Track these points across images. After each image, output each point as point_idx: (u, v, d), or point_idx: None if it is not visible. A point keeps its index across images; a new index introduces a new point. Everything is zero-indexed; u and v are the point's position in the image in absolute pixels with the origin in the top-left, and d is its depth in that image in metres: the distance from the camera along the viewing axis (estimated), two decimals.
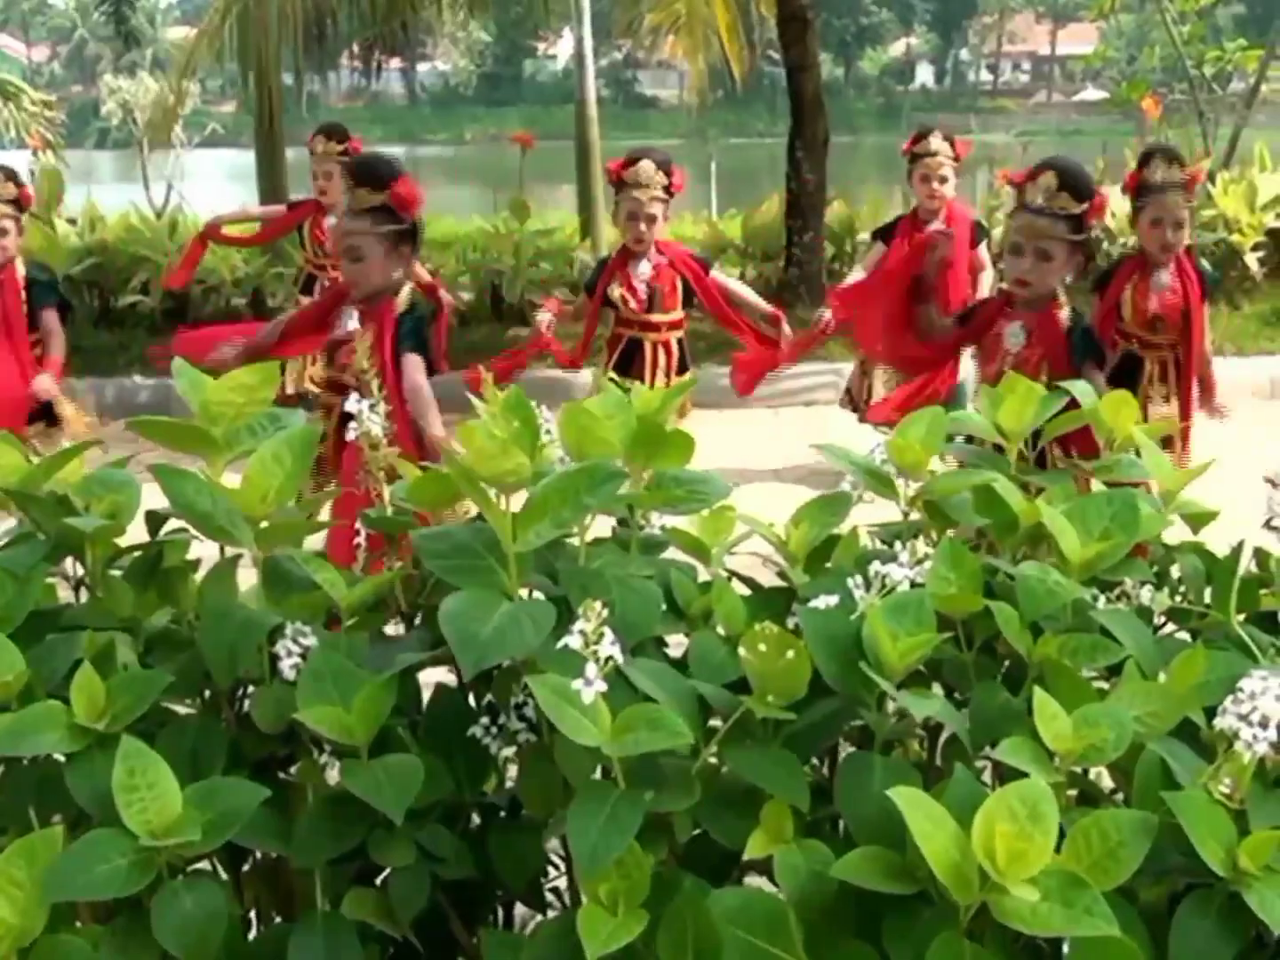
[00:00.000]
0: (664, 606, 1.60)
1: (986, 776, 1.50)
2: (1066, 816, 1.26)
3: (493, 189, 11.13)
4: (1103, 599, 1.61)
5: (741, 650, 1.31)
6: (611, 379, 5.18)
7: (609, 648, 1.23)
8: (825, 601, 1.39)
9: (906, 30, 68.83)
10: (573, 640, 1.24)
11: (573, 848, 1.23)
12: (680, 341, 5.32)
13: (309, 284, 7.32)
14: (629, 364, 5.24)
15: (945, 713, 1.35)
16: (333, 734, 1.41)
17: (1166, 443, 4.64)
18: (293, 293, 9.68)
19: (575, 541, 1.56)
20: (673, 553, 1.74)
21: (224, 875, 1.62)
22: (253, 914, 1.70)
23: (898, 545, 1.46)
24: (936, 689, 1.56)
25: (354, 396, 1.68)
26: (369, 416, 1.68)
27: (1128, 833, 1.22)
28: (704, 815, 1.33)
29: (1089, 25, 41.86)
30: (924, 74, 70.02)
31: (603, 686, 1.23)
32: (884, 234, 6.42)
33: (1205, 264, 5.11)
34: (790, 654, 1.28)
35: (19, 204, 5.09)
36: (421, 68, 71.10)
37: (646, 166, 5.09)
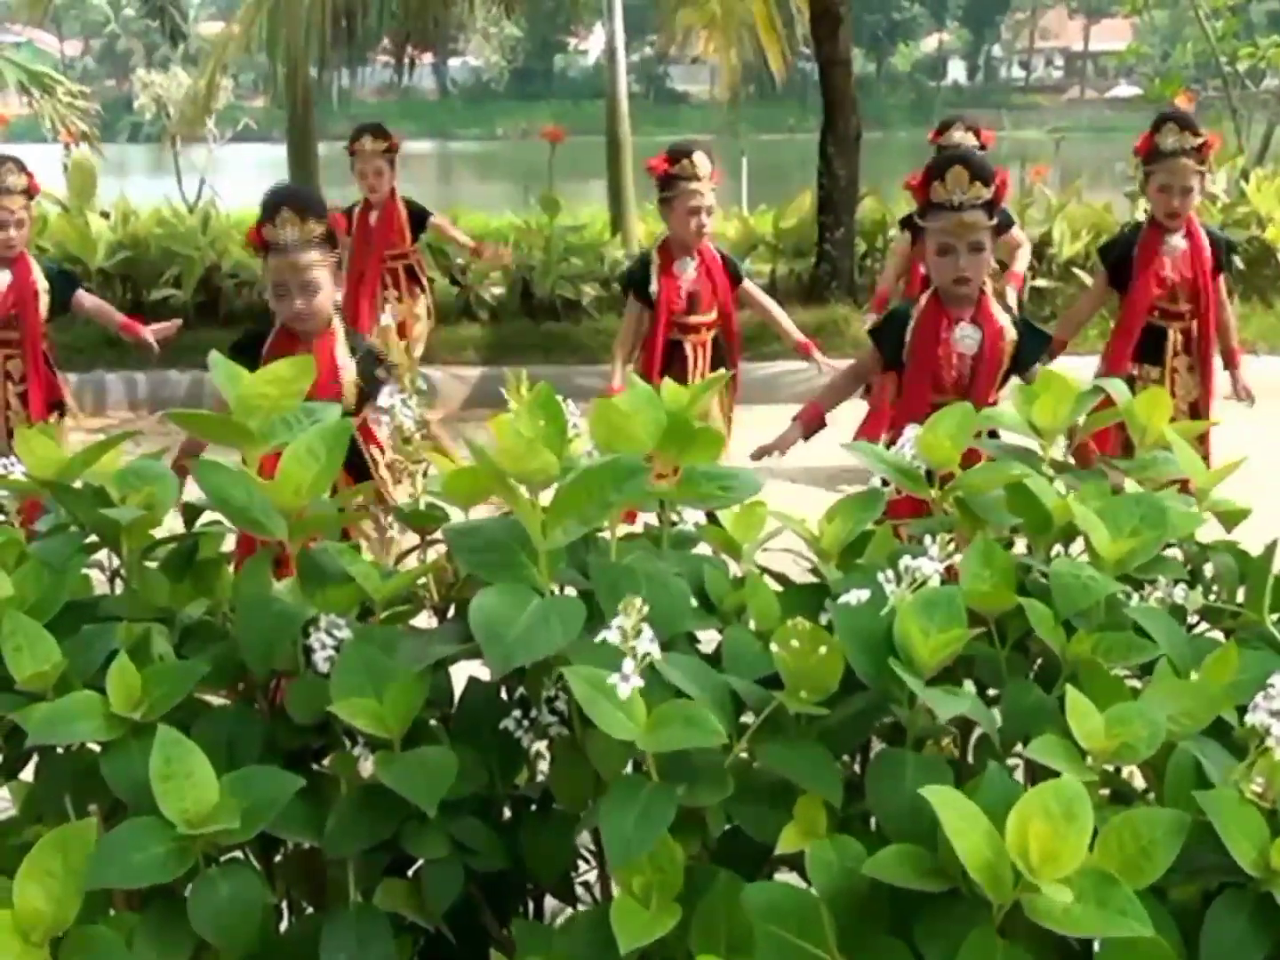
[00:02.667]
0: (694, 602, 1.62)
1: (1019, 775, 1.50)
2: (1099, 815, 1.26)
3: (524, 184, 11.13)
4: (1135, 597, 1.61)
5: (774, 646, 1.31)
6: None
7: (647, 644, 1.23)
8: (857, 597, 1.39)
9: (939, 26, 68.55)
10: (611, 635, 1.24)
11: (606, 841, 1.23)
12: (716, 340, 5.25)
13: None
14: (668, 367, 5.22)
15: (976, 710, 1.35)
16: (366, 726, 1.42)
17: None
18: None
19: (607, 536, 1.56)
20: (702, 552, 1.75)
21: (256, 865, 1.64)
22: (284, 904, 1.72)
23: (928, 540, 1.46)
24: (969, 686, 1.56)
25: (387, 390, 1.69)
26: (403, 410, 1.69)
27: (1160, 832, 1.21)
28: (736, 810, 1.33)
29: (1122, 21, 41.60)
30: (956, 70, 69.71)
31: (639, 682, 1.23)
32: (912, 223, 6.39)
33: (1215, 230, 5.07)
34: (823, 650, 1.29)
35: (29, 194, 5.12)
36: (453, 63, 71.16)
37: (701, 158, 4.99)
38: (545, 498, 1.46)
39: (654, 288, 5.07)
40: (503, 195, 16.99)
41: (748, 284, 5.32)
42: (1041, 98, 60.04)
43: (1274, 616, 1.71)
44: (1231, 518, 1.76)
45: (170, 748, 1.36)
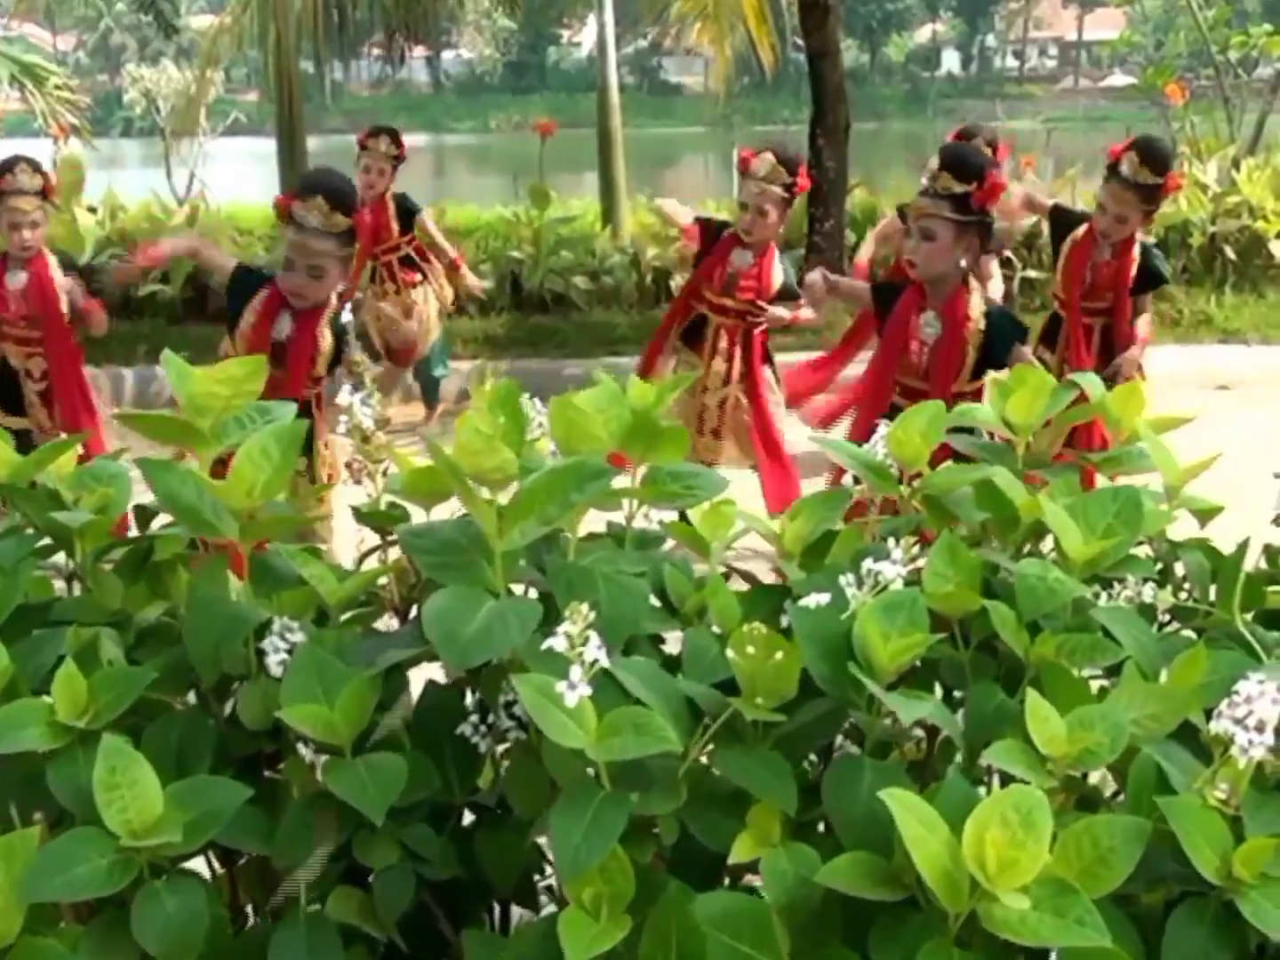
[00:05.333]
0: (657, 603, 1.59)
1: (996, 781, 1.48)
2: (1059, 821, 1.23)
3: (517, 177, 11.10)
4: (1104, 596, 1.58)
5: (729, 651, 1.28)
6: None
7: (594, 651, 1.21)
8: (816, 600, 1.36)
9: (932, 16, 68.41)
10: (557, 643, 1.21)
11: (554, 852, 1.21)
12: (751, 332, 5.25)
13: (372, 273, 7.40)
14: (695, 337, 5.29)
15: (938, 714, 1.32)
16: (315, 733, 1.39)
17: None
18: None
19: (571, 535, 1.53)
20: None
21: (219, 871, 1.62)
22: (250, 910, 1.69)
23: (890, 543, 1.43)
24: (937, 690, 1.54)
25: (346, 389, 1.66)
26: (361, 409, 1.66)
27: (1119, 839, 1.19)
28: (690, 818, 1.30)
29: (1116, 10, 41.54)
30: (950, 60, 69.55)
31: (587, 690, 1.21)
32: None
33: (1159, 264, 5.17)
34: (779, 655, 1.26)
35: (45, 195, 5.10)
36: (447, 56, 71.07)
37: (767, 159, 5.12)
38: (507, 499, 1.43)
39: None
40: (496, 188, 16.95)
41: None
42: (1036, 87, 59.92)
43: (1247, 615, 1.69)
44: (1205, 514, 1.74)
45: (114, 756, 1.33)
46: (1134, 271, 4.97)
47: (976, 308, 3.65)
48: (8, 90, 11.26)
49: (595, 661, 1.21)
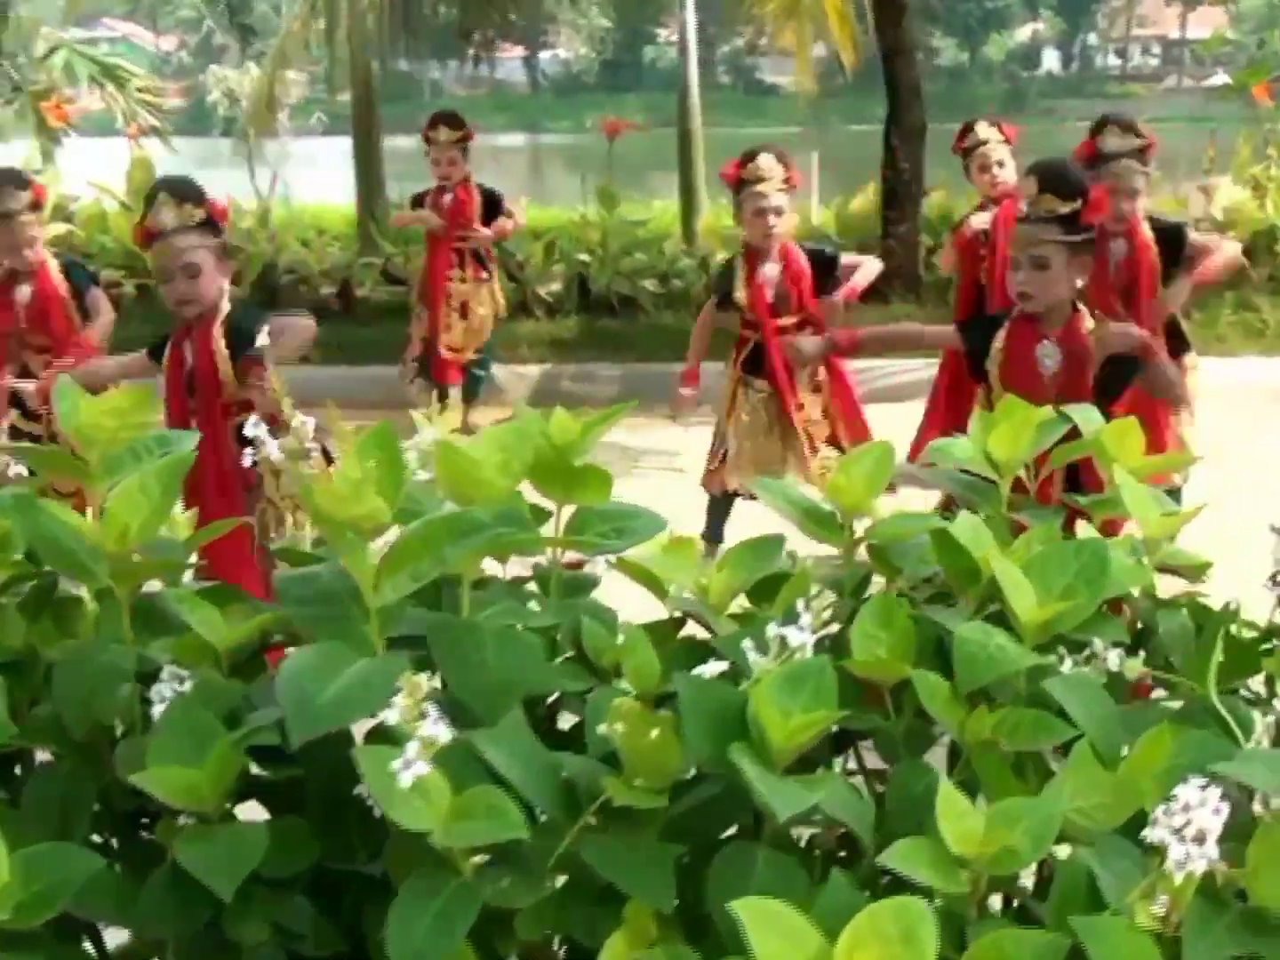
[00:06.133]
0: (568, 656, 1.46)
1: None
2: (972, 931, 1.08)
3: (584, 178, 11.00)
4: (1070, 661, 1.42)
5: (601, 728, 1.15)
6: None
7: (432, 726, 1.08)
8: (713, 668, 1.22)
9: (1033, 14, 67.19)
10: (390, 715, 1.09)
11: (390, 949, 1.08)
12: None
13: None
14: (758, 365, 5.15)
15: (833, 803, 1.17)
16: (174, 798, 1.28)
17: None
18: (380, 282, 9.72)
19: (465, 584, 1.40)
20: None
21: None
22: None
23: (799, 604, 1.28)
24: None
25: (253, 419, 1.54)
26: (268, 441, 1.54)
27: (1029, 959, 1.03)
28: (560, 912, 1.17)
29: (1220, 8, 40.51)
30: (1050, 59, 68.34)
31: (424, 769, 1.08)
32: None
33: (1166, 217, 5.01)
34: (654, 733, 1.12)
35: (36, 206, 5.07)
36: (543, 56, 71.34)
37: (766, 160, 5.01)
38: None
39: (739, 294, 5.08)
40: (583, 188, 16.87)
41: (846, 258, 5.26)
42: (1138, 87, 58.64)
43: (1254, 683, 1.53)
44: (1193, 571, 1.57)
45: None
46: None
47: (1088, 330, 3.46)
48: (88, 89, 11.39)
49: (432, 738, 1.07)
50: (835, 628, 1.44)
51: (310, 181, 14.17)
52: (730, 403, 5.18)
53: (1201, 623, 1.52)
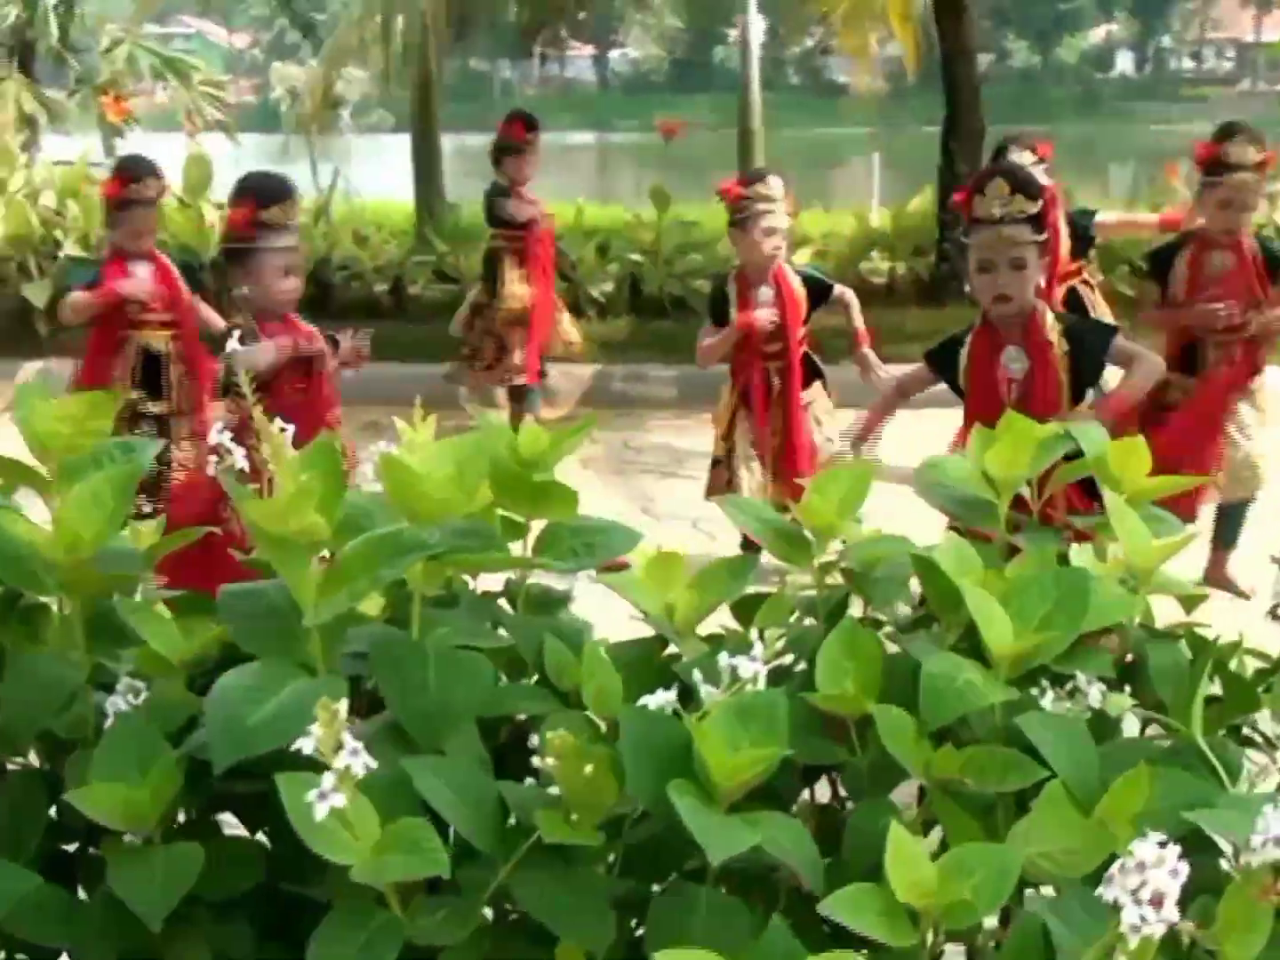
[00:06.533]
0: (534, 678, 1.41)
1: None
2: None
3: (640, 179, 10.98)
4: (1051, 695, 1.35)
5: (536, 760, 1.10)
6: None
7: (349, 757, 1.03)
8: (660, 699, 1.17)
9: (1107, 16, 66.31)
10: (305, 745, 1.04)
11: None
12: (805, 355, 5.05)
13: (491, 259, 7.18)
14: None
15: (776, 844, 1.11)
16: (113, 819, 1.24)
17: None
18: (432, 280, 9.71)
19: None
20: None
21: None
22: None
23: (752, 634, 1.22)
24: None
25: (217, 426, 1.49)
26: (233, 449, 1.50)
27: None
28: (492, 947, 1.12)
29: None
30: (1124, 61, 67.38)
31: (340, 801, 1.04)
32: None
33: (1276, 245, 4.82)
34: (588, 769, 1.07)
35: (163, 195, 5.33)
36: (613, 55, 71.42)
37: (775, 182, 4.90)
38: None
39: (734, 316, 4.93)
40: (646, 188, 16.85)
41: (841, 293, 5.13)
42: (1211, 90, 57.73)
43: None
44: (1188, 602, 1.49)
45: None
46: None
47: (1053, 329, 3.39)
48: (151, 84, 11.49)
49: (349, 767, 1.03)
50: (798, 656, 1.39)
51: (375, 178, 14.23)
52: (728, 426, 5.05)
53: (1200, 655, 1.45)
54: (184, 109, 11.78)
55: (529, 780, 1.46)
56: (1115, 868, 0.99)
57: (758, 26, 12.49)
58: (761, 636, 1.20)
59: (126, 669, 1.46)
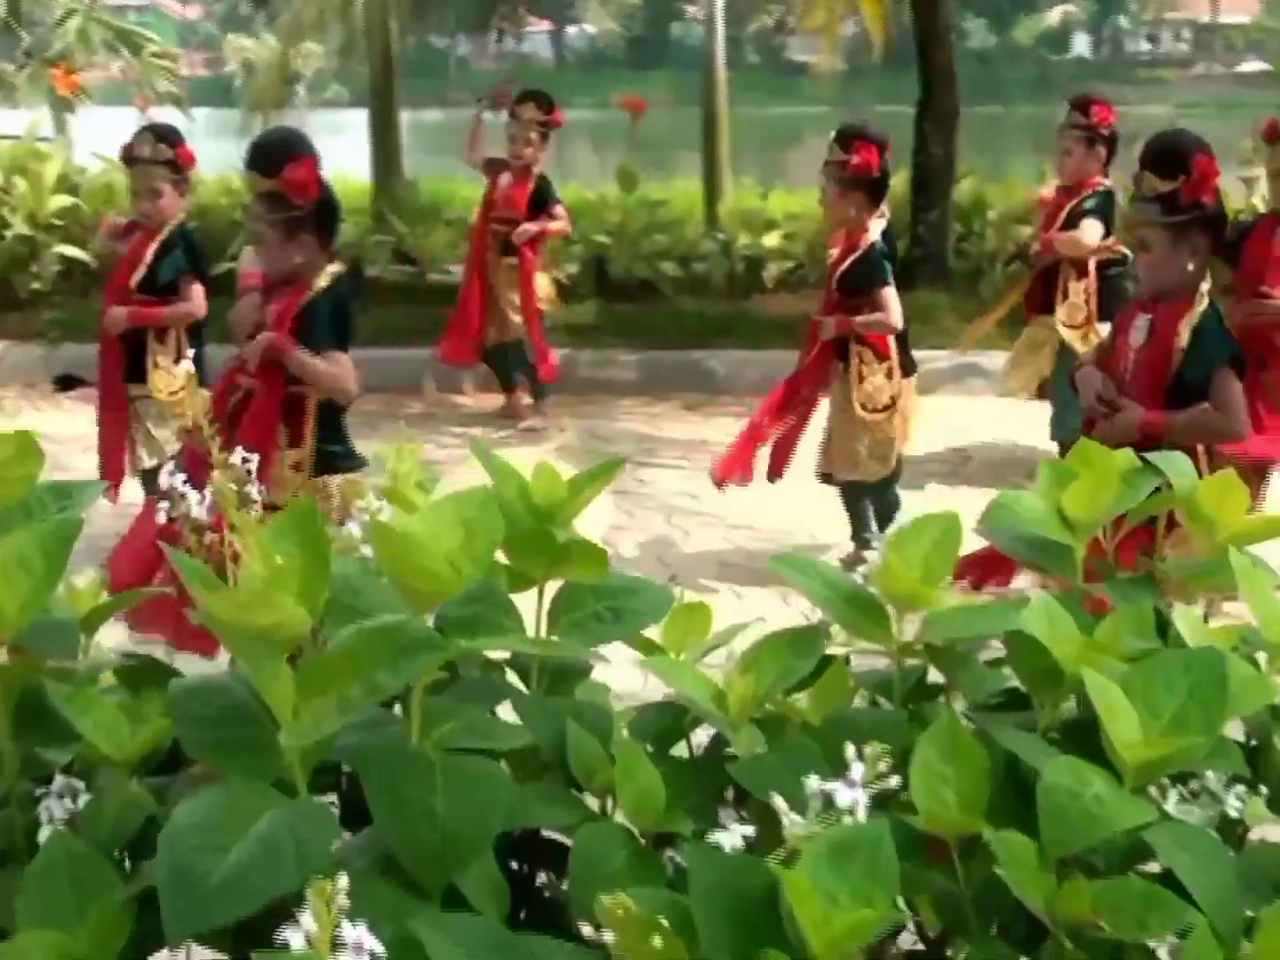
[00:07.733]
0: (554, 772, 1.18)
1: None
2: None
3: (603, 157, 10.73)
4: (1174, 796, 1.13)
5: (587, 930, 0.86)
6: None
7: (353, 955, 0.79)
8: (735, 836, 0.93)
9: None
10: (294, 939, 0.80)
11: None
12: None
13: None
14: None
15: None
16: None
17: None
18: (392, 261, 9.39)
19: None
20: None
21: None
22: None
23: (849, 750, 0.99)
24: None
25: (167, 469, 1.24)
26: (186, 494, 1.25)
27: None
28: None
29: None
30: (1080, 43, 67.36)
31: None
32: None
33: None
34: (656, 941, 0.84)
35: (175, 165, 4.92)
36: (570, 31, 70.90)
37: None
38: None
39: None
40: (601, 167, 16.52)
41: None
42: (1167, 72, 57.77)
43: None
44: None
45: None
46: None
47: (1189, 322, 3.20)
48: (105, 57, 11.09)
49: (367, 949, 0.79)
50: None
51: (331, 154, 13.84)
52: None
53: None
54: (137, 83, 11.39)
55: (540, 875, 1.25)
56: None
57: (720, 3, 12.20)
58: (860, 754, 0.96)
59: (65, 760, 1.22)
